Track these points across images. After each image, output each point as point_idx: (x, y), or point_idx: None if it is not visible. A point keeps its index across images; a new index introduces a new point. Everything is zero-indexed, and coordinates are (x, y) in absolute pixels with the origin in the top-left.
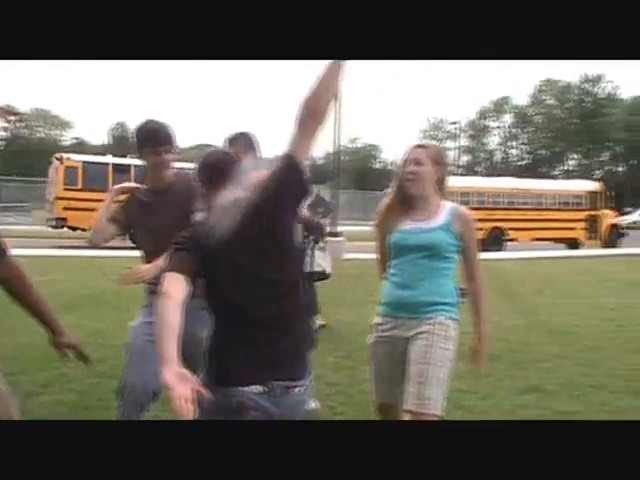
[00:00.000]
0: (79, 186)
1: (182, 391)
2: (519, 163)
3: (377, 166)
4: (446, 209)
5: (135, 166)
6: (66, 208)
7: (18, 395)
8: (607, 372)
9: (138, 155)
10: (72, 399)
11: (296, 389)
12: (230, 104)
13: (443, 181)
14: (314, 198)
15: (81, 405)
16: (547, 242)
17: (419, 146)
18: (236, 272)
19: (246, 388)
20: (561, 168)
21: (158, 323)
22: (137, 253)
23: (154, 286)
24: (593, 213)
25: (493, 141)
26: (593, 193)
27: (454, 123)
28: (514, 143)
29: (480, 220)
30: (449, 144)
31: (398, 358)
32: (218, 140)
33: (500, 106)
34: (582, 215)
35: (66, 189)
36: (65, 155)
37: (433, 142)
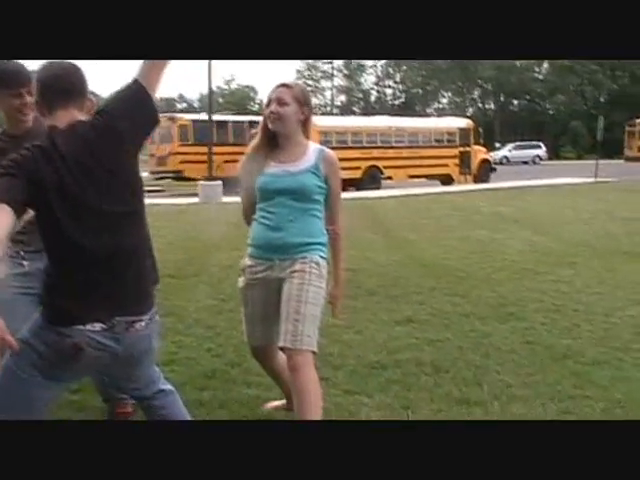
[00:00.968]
0: (191, 141)
1: None
2: (394, 102)
3: (254, 108)
4: (312, 151)
5: (233, 122)
6: (182, 162)
7: None
8: (475, 301)
9: None
10: None
11: (137, 324)
12: None
13: (308, 122)
14: None
15: None
16: (422, 179)
17: (283, 85)
18: (71, 204)
19: (84, 326)
20: (435, 106)
21: None
22: None
23: (19, 235)
24: (465, 149)
25: (368, 80)
26: (464, 130)
27: (329, 62)
28: (389, 82)
29: (357, 159)
30: (325, 84)
31: (272, 299)
32: None
33: None
34: (454, 152)
35: (181, 145)
36: (177, 115)
37: (299, 82)
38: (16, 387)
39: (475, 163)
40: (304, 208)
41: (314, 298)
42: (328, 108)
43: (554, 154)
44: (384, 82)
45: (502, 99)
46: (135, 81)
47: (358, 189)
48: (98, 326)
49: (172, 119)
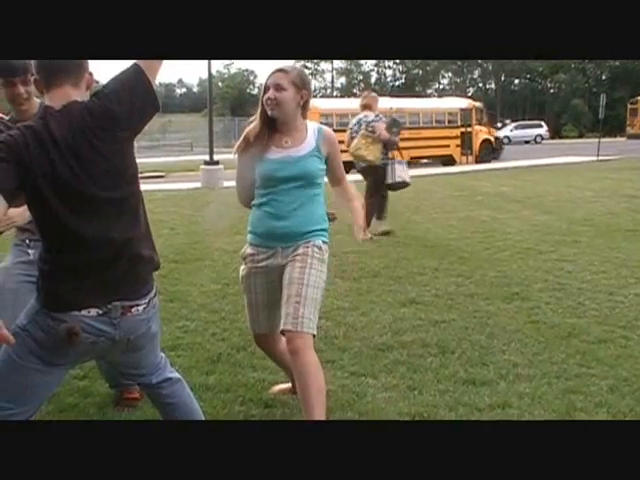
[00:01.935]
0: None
1: None
2: (394, 83)
3: (254, 92)
4: (312, 132)
5: None
6: None
7: None
8: (478, 281)
9: None
10: None
11: (134, 309)
12: None
13: (307, 105)
14: (389, 119)
15: None
16: (424, 160)
17: (280, 70)
18: (63, 189)
19: (79, 312)
20: (435, 87)
21: None
22: None
23: (27, 224)
24: (466, 130)
25: (368, 62)
26: (465, 110)
27: None
28: (389, 63)
29: None
30: (324, 66)
31: (274, 285)
32: None
33: None
34: (456, 132)
35: None
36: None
37: (297, 65)
38: (16, 374)
39: (477, 144)
40: (307, 195)
41: (315, 282)
42: (328, 90)
43: (556, 133)
44: (384, 63)
45: (503, 79)
46: (135, 64)
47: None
48: (94, 311)
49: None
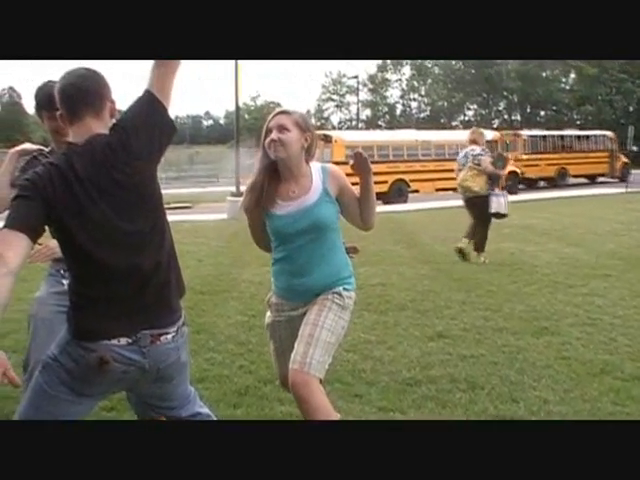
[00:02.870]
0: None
1: None
2: (420, 115)
3: None
4: (317, 174)
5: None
6: None
7: None
8: (507, 315)
9: (39, 117)
10: None
11: (163, 337)
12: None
13: (311, 150)
14: (495, 154)
15: None
16: (449, 192)
17: (282, 112)
18: (88, 224)
19: (109, 341)
20: (460, 118)
21: None
22: None
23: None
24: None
25: (393, 94)
26: (492, 142)
27: (354, 77)
28: (414, 95)
29: (383, 173)
30: (350, 98)
31: (297, 332)
32: None
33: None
34: None
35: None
36: (334, 135)
37: (298, 110)
38: (47, 404)
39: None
40: (324, 244)
41: (331, 326)
42: (354, 122)
43: None
44: (409, 95)
45: (528, 110)
46: (147, 92)
47: (385, 203)
48: (123, 340)
49: (327, 137)
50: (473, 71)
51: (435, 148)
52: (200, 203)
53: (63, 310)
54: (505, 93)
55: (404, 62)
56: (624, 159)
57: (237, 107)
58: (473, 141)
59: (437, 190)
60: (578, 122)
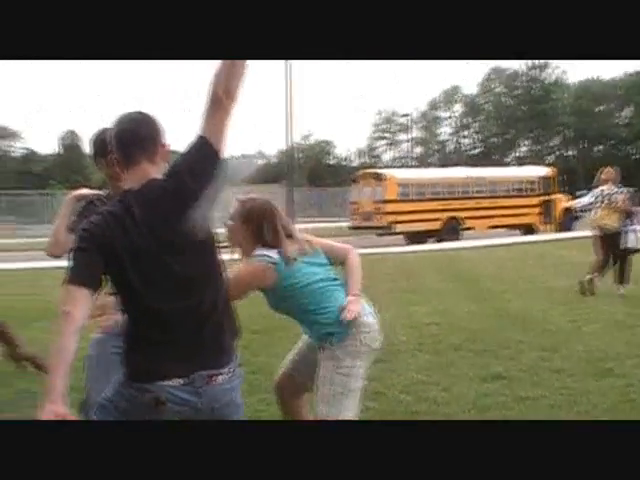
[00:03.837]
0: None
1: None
2: (472, 152)
3: (331, 162)
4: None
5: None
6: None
7: None
8: (565, 355)
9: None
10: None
11: (219, 377)
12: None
13: (261, 232)
14: (631, 192)
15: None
16: (503, 229)
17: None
18: (144, 269)
19: (163, 382)
20: (513, 155)
21: (54, 348)
22: None
23: None
24: (546, 198)
25: (445, 131)
26: (546, 178)
27: (406, 115)
28: (466, 132)
29: (436, 211)
30: (401, 137)
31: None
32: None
33: (450, 96)
34: (536, 201)
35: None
36: (386, 172)
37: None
38: None
39: (557, 212)
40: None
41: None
42: (405, 160)
43: None
44: (461, 132)
45: (584, 145)
46: (200, 137)
47: (438, 240)
48: (177, 381)
49: (378, 176)
50: (525, 107)
51: (488, 185)
52: None
53: (119, 352)
54: (559, 129)
55: (455, 99)
56: (565, 204)
57: (291, 145)
58: (607, 180)
59: (490, 227)
60: (635, 156)
